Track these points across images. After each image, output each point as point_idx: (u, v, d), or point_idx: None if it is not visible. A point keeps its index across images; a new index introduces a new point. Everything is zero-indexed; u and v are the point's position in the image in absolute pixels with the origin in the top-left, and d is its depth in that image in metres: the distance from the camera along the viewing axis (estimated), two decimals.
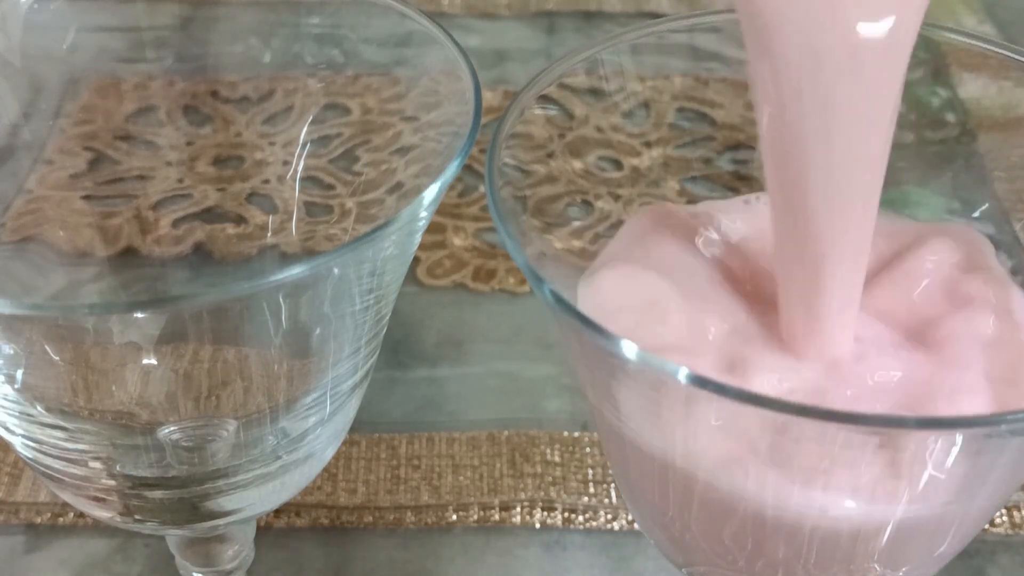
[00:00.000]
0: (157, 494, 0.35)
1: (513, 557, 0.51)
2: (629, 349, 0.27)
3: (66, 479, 0.35)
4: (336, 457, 0.54)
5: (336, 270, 0.30)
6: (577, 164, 0.37)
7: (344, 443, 0.53)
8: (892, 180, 0.29)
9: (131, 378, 0.35)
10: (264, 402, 0.33)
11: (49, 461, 0.34)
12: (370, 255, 0.31)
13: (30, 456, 0.35)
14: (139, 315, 0.32)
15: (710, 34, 0.38)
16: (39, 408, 0.33)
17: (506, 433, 0.56)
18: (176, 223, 0.46)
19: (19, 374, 0.31)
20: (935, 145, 0.38)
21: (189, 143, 0.46)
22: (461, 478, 0.54)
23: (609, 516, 0.52)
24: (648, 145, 0.39)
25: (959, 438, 0.27)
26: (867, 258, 0.29)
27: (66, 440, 0.33)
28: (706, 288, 0.31)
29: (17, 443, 0.34)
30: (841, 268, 0.29)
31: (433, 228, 0.66)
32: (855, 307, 0.30)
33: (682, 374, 0.26)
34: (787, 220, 0.29)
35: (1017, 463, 0.29)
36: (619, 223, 0.35)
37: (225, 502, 0.36)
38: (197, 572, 0.41)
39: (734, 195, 0.36)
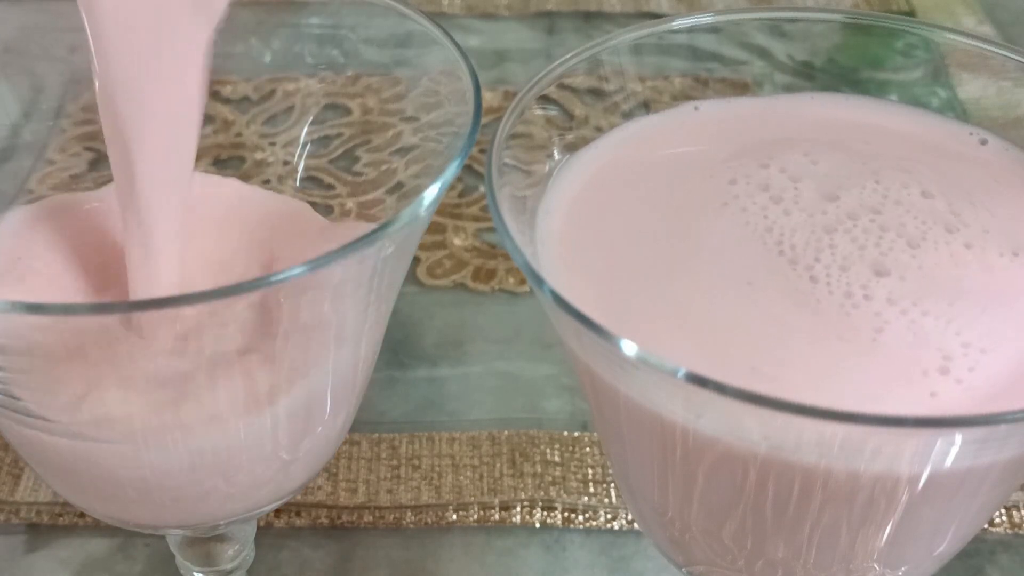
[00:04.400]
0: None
1: (513, 557, 0.51)
2: (628, 348, 0.27)
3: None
4: (337, 457, 0.54)
5: (336, 270, 0.30)
6: None
7: (345, 443, 0.53)
8: None
9: None
10: (264, 401, 0.33)
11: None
12: (370, 255, 0.31)
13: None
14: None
15: (710, 34, 0.38)
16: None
17: (506, 433, 0.56)
18: None
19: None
20: None
21: None
22: (461, 478, 0.54)
23: (609, 516, 0.52)
24: None
25: (958, 437, 0.27)
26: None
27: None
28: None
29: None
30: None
31: (433, 228, 0.66)
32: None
33: (681, 373, 0.26)
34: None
35: (1017, 463, 0.30)
36: None
37: (225, 502, 0.36)
38: (197, 572, 0.41)
39: None
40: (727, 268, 0.32)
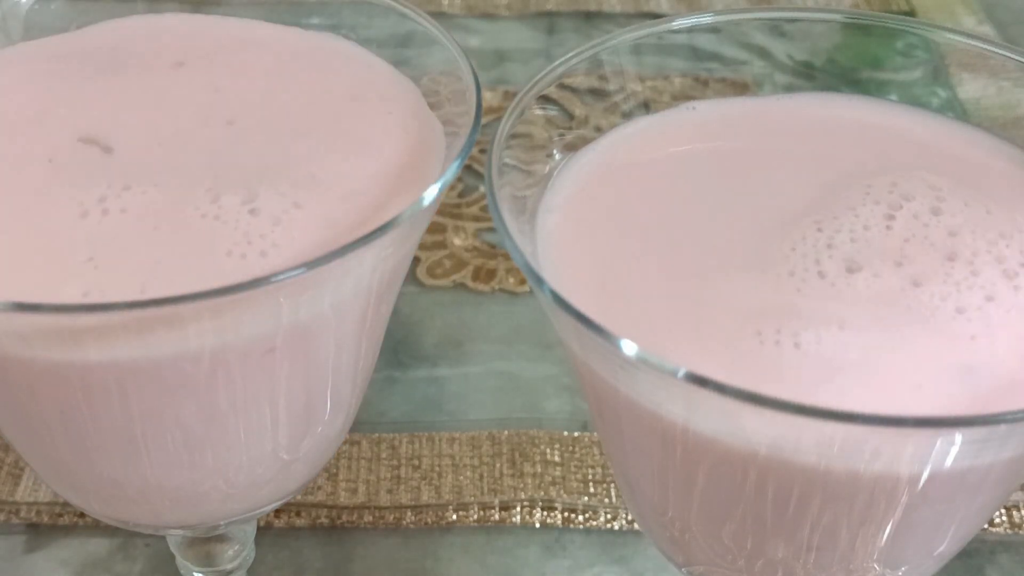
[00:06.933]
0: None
1: (513, 557, 0.51)
2: (628, 348, 0.27)
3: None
4: (337, 457, 0.54)
5: (336, 270, 0.30)
6: None
7: (345, 443, 0.53)
8: None
9: None
10: (264, 402, 0.33)
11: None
12: (370, 255, 0.31)
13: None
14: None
15: (710, 34, 0.38)
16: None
17: (506, 433, 0.56)
18: None
19: None
20: None
21: None
22: (461, 478, 0.54)
23: (609, 516, 0.52)
24: None
25: (958, 437, 0.27)
26: None
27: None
28: None
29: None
30: None
31: (433, 228, 0.66)
32: None
33: (681, 373, 0.26)
34: None
35: (1017, 463, 0.30)
36: None
37: (225, 502, 0.36)
38: (198, 572, 0.41)
39: None
40: (728, 267, 0.32)
